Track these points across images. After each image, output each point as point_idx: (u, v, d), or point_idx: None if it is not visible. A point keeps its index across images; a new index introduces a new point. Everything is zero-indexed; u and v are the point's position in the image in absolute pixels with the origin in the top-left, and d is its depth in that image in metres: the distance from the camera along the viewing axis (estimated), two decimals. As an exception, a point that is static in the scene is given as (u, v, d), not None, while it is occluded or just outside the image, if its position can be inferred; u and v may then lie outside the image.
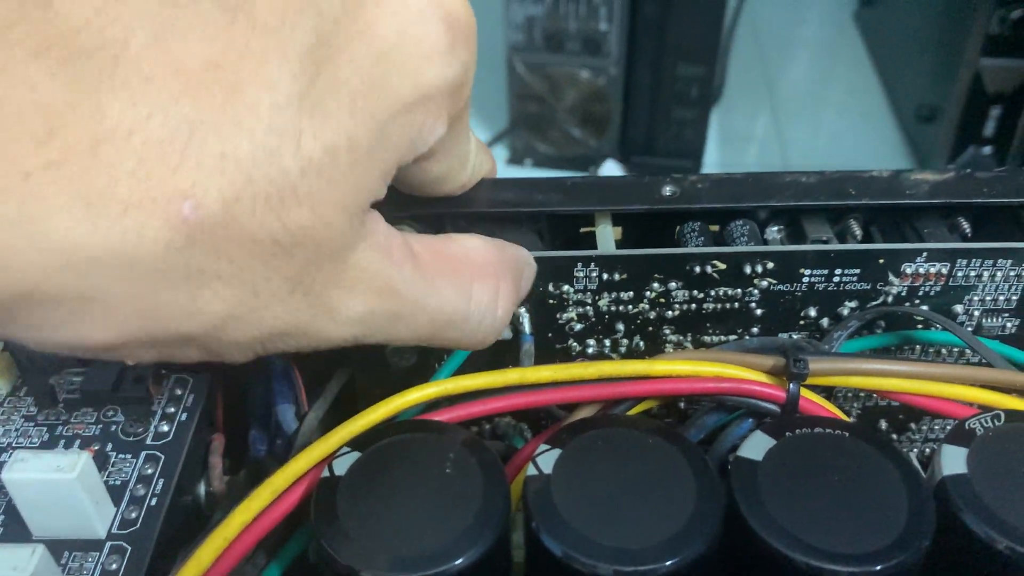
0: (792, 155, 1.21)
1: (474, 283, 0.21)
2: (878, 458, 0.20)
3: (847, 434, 0.20)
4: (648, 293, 0.26)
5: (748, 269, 0.25)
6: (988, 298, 0.26)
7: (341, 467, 0.20)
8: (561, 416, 0.25)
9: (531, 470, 0.20)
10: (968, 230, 0.27)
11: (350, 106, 0.16)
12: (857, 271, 0.25)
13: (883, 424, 0.30)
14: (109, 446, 0.24)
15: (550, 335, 0.27)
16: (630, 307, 0.26)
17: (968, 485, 0.19)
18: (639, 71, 1.08)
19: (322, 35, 0.16)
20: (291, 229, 0.16)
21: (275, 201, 0.15)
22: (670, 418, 0.28)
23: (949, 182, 0.26)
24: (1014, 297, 0.26)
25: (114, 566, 0.21)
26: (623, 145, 1.14)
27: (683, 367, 0.23)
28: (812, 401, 0.23)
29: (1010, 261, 0.25)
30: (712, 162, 1.17)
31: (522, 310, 0.26)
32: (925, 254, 0.25)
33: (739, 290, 0.26)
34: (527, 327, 0.26)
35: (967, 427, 0.20)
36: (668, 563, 0.18)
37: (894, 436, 0.30)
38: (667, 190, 0.26)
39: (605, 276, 0.25)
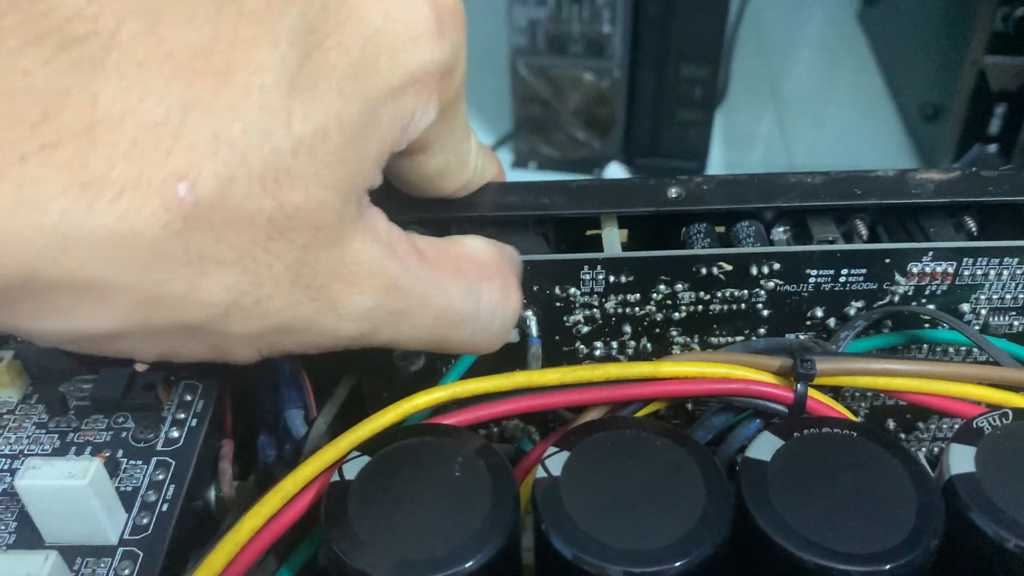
0: (797, 155, 1.21)
1: (482, 282, 0.21)
2: (886, 457, 0.20)
3: (855, 434, 0.20)
4: (654, 295, 0.26)
5: (754, 270, 0.25)
6: (995, 296, 0.26)
7: (351, 471, 0.20)
8: (569, 418, 0.26)
9: (540, 472, 0.20)
10: (974, 229, 0.27)
11: (339, 89, 0.16)
12: (863, 271, 0.25)
13: (891, 423, 0.30)
14: (120, 452, 0.24)
15: (557, 338, 0.27)
16: (637, 309, 0.26)
17: (976, 484, 0.19)
18: (643, 73, 1.08)
19: (310, 20, 0.16)
20: (286, 210, 0.16)
21: (269, 181, 0.16)
22: (678, 419, 0.28)
23: (954, 181, 0.26)
24: (1021, 295, 0.26)
25: (126, 571, 0.21)
26: (627, 147, 1.14)
27: (690, 368, 0.23)
28: (820, 401, 0.23)
29: (1016, 259, 0.25)
30: (717, 163, 1.17)
31: (529, 313, 0.26)
32: (931, 253, 0.25)
33: (745, 291, 0.26)
34: (534, 330, 0.26)
35: (975, 426, 0.20)
36: (677, 564, 0.18)
37: (902, 435, 0.30)
38: (672, 192, 0.26)
39: (611, 278, 0.25)
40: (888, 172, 0.26)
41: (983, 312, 0.26)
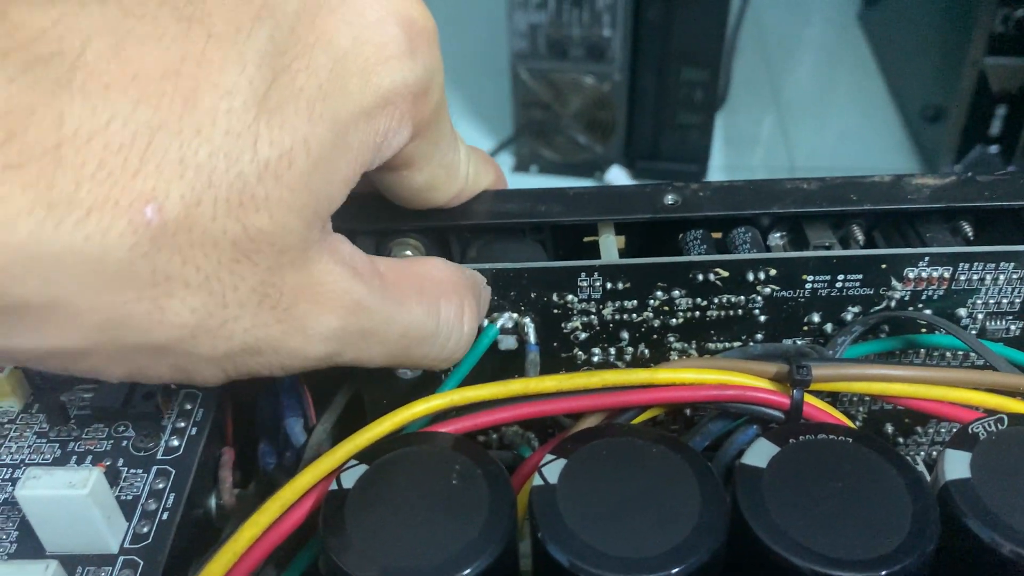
0: (798, 157, 1.21)
1: (440, 300, 0.22)
2: (882, 464, 0.20)
3: (850, 440, 0.20)
4: (652, 301, 0.26)
5: (751, 276, 0.25)
6: (991, 301, 0.26)
7: (349, 480, 0.20)
8: (568, 425, 0.26)
9: (537, 480, 0.20)
10: (970, 233, 0.27)
11: (308, 112, 0.17)
12: (860, 276, 0.25)
13: (889, 428, 0.30)
14: (120, 461, 0.24)
15: (555, 344, 0.27)
16: (634, 315, 0.26)
17: (972, 489, 0.19)
18: (643, 76, 1.08)
19: (278, 43, 0.16)
20: (250, 233, 0.16)
21: (235, 205, 0.16)
22: (676, 426, 0.28)
23: (950, 186, 0.26)
24: (1017, 300, 0.26)
25: (127, 580, 0.21)
26: (628, 150, 1.15)
27: (687, 375, 0.23)
28: (816, 407, 0.23)
29: (1012, 264, 0.25)
30: (718, 165, 1.17)
31: (527, 320, 0.26)
32: (927, 258, 0.25)
33: (742, 297, 0.26)
34: (532, 337, 0.26)
35: (970, 431, 0.20)
36: (674, 571, 0.18)
37: (900, 439, 0.30)
38: (669, 199, 0.26)
39: (609, 285, 0.25)
40: (884, 177, 0.26)
41: (980, 316, 0.26)
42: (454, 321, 0.22)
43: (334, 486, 0.20)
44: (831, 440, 0.20)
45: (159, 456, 0.24)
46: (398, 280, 0.21)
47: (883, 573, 0.18)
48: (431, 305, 0.21)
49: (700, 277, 0.25)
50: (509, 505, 0.19)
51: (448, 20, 1.42)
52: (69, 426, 0.25)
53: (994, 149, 1.09)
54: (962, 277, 0.25)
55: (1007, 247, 0.25)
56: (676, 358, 0.27)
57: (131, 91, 0.15)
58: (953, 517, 0.19)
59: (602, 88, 1.08)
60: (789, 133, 1.25)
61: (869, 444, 0.20)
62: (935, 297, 0.26)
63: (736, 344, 0.27)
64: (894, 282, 0.25)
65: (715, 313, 0.26)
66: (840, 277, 0.25)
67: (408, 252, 0.26)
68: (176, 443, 0.25)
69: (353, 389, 0.28)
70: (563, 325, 0.26)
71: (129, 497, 0.23)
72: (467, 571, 0.18)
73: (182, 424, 0.25)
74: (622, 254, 0.26)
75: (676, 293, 0.26)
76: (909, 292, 0.26)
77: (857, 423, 0.29)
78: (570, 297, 0.26)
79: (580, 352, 0.27)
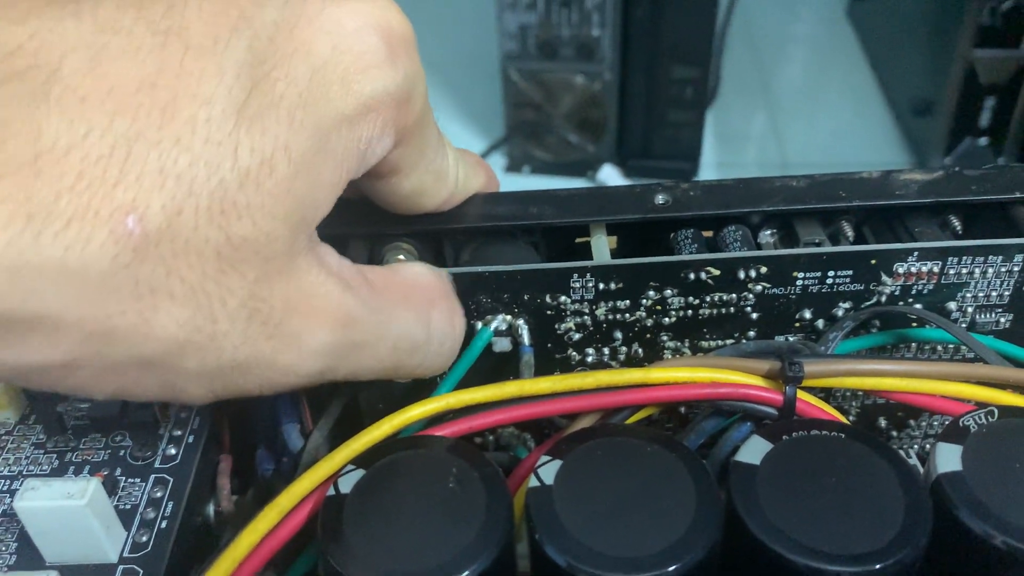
0: (789, 152, 1.21)
1: (429, 307, 0.22)
2: (874, 458, 0.20)
3: (843, 436, 0.20)
4: (644, 301, 0.26)
5: (742, 274, 0.25)
6: (981, 294, 0.26)
7: (346, 485, 0.20)
8: (563, 426, 0.26)
9: (533, 481, 0.20)
10: (959, 228, 0.27)
11: (288, 120, 0.17)
12: (850, 272, 0.25)
13: (882, 421, 0.30)
14: (118, 471, 0.24)
15: (549, 345, 0.27)
16: (627, 315, 0.26)
17: (963, 482, 0.19)
18: (633, 75, 1.09)
19: (257, 53, 0.16)
20: (234, 242, 0.16)
21: (216, 213, 0.16)
22: (671, 424, 0.29)
23: (938, 181, 0.26)
24: (1006, 292, 0.26)
25: (127, 589, 0.21)
26: (620, 149, 1.15)
27: (680, 374, 0.23)
28: (809, 403, 0.23)
29: (1000, 257, 0.25)
30: (709, 162, 1.17)
31: (521, 321, 0.26)
32: (916, 253, 0.25)
33: (734, 295, 0.26)
34: (526, 338, 0.26)
35: (961, 424, 0.21)
36: (670, 569, 0.18)
37: (894, 433, 0.30)
38: (660, 198, 0.26)
39: (601, 286, 0.26)
40: (873, 173, 0.26)
41: (970, 310, 0.26)
42: (445, 327, 0.23)
43: (331, 492, 0.20)
44: (824, 436, 0.20)
45: (157, 465, 0.24)
46: (386, 290, 0.21)
47: (877, 567, 0.18)
48: (420, 312, 0.22)
49: (692, 276, 0.25)
50: (506, 508, 0.20)
51: (437, 22, 1.42)
52: (66, 436, 0.25)
53: (984, 141, 1.09)
54: (951, 271, 0.26)
55: (995, 240, 0.25)
56: (669, 357, 0.27)
57: (108, 104, 0.15)
58: (945, 510, 0.19)
59: (592, 87, 1.09)
60: (780, 129, 1.26)
61: (861, 439, 0.20)
62: (925, 291, 0.26)
63: (729, 342, 0.27)
64: (884, 277, 0.26)
65: (707, 311, 0.26)
66: (830, 273, 0.25)
67: (401, 256, 0.26)
68: (173, 451, 0.25)
69: (349, 394, 0.28)
70: (557, 326, 0.27)
71: (127, 506, 0.23)
72: (464, 574, 0.18)
73: (179, 432, 0.25)
74: (614, 254, 0.27)
75: (668, 292, 0.26)
76: (899, 287, 0.26)
77: (850, 418, 0.29)
78: (563, 298, 0.26)
79: (574, 352, 0.27)
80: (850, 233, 0.27)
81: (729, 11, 1.21)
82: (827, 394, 0.29)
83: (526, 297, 0.26)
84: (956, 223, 0.27)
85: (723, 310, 0.26)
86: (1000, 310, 0.27)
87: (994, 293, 0.26)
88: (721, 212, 0.26)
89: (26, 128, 0.14)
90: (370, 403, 0.28)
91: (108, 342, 0.16)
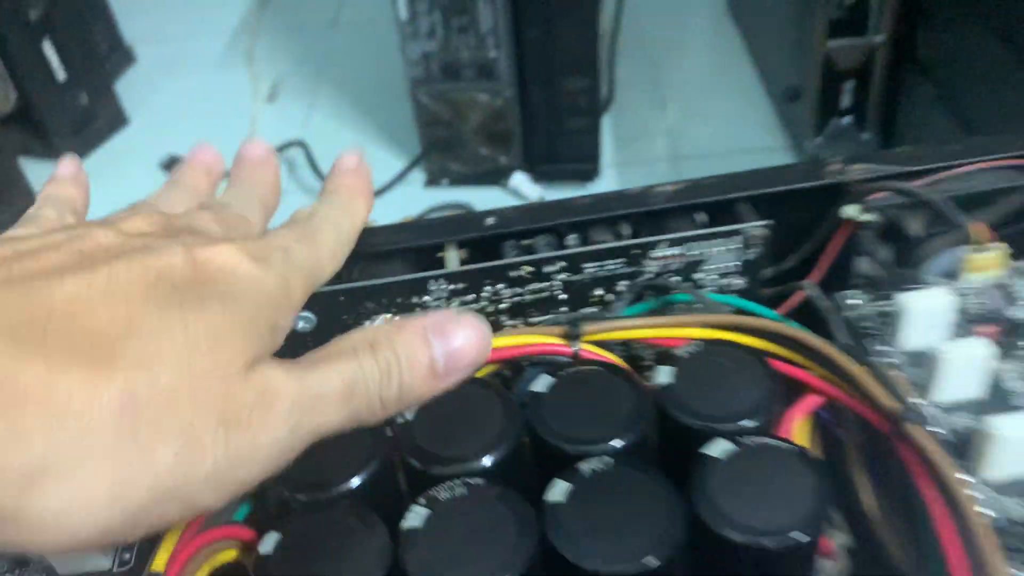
0: (682, 145, 1.33)
1: (359, 349, 0.24)
2: (617, 380, 0.31)
3: (602, 369, 0.31)
4: (484, 294, 0.37)
5: (547, 268, 0.36)
6: (721, 266, 0.38)
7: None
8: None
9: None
10: (705, 220, 0.38)
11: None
12: (623, 260, 0.37)
13: (676, 364, 0.41)
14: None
15: (423, 332, 0.38)
16: (473, 306, 0.37)
17: (673, 390, 0.30)
18: (531, 89, 1.20)
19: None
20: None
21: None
22: (508, 372, 0.39)
23: (685, 189, 0.38)
24: (734, 263, 0.37)
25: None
26: (527, 157, 1.26)
27: (509, 341, 0.34)
28: (593, 352, 0.34)
29: (726, 240, 0.37)
30: (610, 162, 1.29)
31: (396, 318, 0.37)
32: (667, 243, 0.36)
33: (546, 284, 0.37)
34: (404, 329, 0.37)
35: (675, 352, 0.32)
36: (484, 459, 0.29)
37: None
38: (489, 220, 0.37)
39: (452, 286, 0.36)
40: (636, 189, 0.38)
41: (713, 278, 0.38)
42: (387, 356, 0.24)
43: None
44: (587, 371, 0.31)
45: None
46: (319, 355, 0.24)
47: (618, 445, 0.29)
48: (350, 358, 0.24)
49: (513, 274, 0.36)
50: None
51: (349, 56, 1.51)
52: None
53: (847, 120, 1.22)
54: (691, 253, 0.37)
55: (723, 227, 0.37)
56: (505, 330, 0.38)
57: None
58: (665, 413, 0.30)
59: (495, 104, 1.19)
60: (673, 124, 1.38)
61: (612, 370, 0.31)
62: (675, 268, 0.37)
63: (548, 317, 0.38)
64: (646, 262, 0.37)
65: (529, 297, 0.37)
66: (609, 262, 0.37)
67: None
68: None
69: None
70: (425, 318, 0.37)
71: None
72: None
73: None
74: (464, 263, 0.37)
75: (500, 287, 0.37)
76: (659, 266, 0.37)
77: (645, 363, 0.40)
78: (426, 298, 0.37)
79: (441, 336, 0.38)
80: (628, 232, 0.38)
81: (616, 21, 1.33)
82: (627, 347, 0.40)
83: (399, 299, 0.36)
84: (702, 217, 0.38)
85: (540, 295, 0.37)
86: (735, 275, 0.38)
87: (729, 264, 0.38)
88: (533, 226, 0.37)
89: None
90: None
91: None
